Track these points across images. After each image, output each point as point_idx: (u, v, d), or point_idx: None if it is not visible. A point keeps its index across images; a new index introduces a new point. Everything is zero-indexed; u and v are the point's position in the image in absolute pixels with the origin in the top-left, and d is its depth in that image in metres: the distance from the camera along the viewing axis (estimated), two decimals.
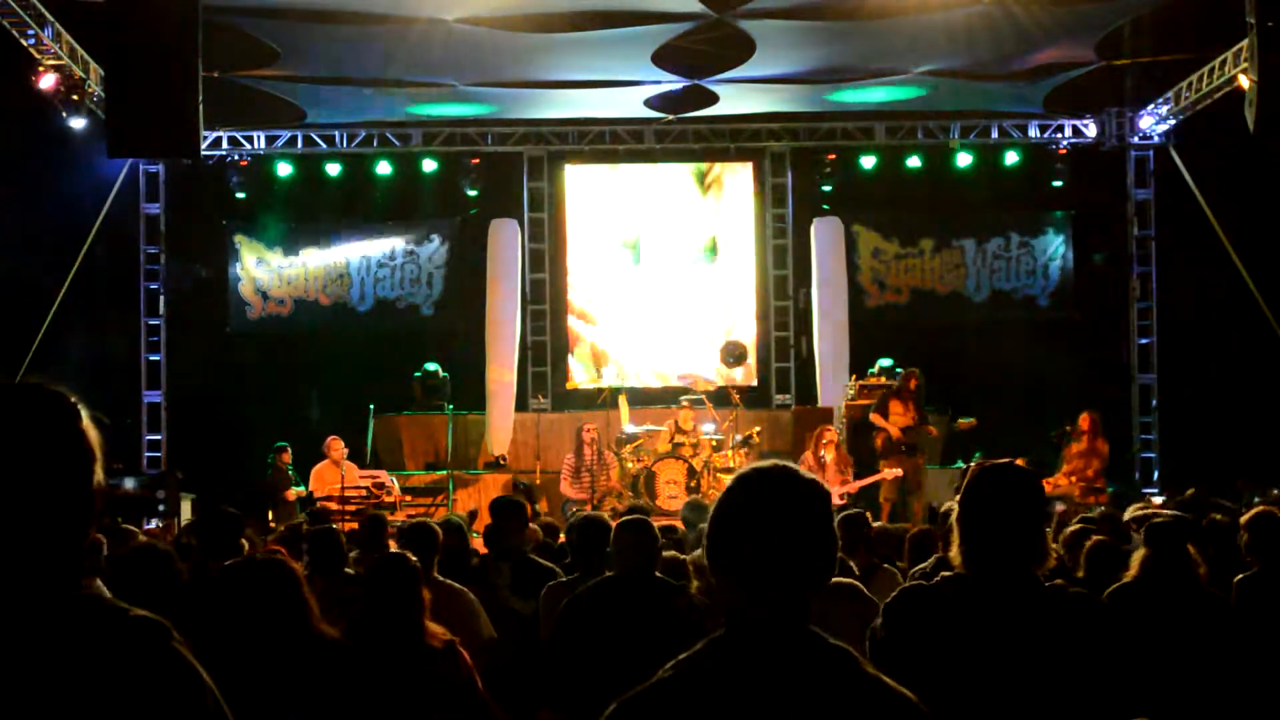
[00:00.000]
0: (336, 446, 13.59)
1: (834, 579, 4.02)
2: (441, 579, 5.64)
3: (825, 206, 16.92)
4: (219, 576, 4.30)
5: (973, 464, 3.41)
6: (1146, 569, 4.88)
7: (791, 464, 2.13)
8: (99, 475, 1.82)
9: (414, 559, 4.52)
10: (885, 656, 3.07)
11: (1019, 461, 3.50)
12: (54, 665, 1.70)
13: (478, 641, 5.28)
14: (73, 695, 1.69)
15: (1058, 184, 16.69)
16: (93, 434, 1.83)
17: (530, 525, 7.78)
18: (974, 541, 3.06)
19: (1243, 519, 5.65)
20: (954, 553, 3.12)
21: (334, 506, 12.34)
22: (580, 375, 17.19)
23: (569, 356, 17.26)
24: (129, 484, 10.91)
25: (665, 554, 5.64)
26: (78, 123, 13.43)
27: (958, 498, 3.16)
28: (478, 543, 7.97)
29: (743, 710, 1.92)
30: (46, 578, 1.75)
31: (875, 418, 13.83)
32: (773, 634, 1.98)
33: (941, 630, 2.99)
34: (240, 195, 16.67)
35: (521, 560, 6.41)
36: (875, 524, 8.17)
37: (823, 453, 13.34)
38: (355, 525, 9.81)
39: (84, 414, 1.83)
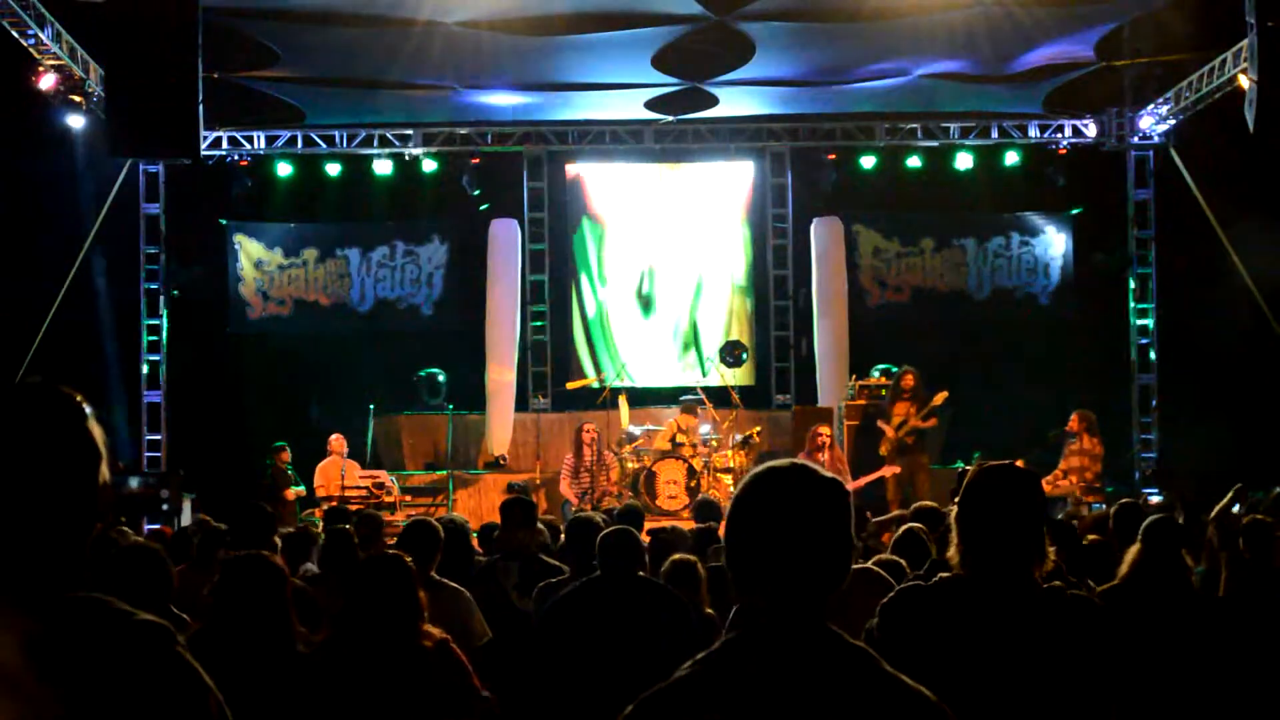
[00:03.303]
0: (339, 441, 13.92)
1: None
2: (439, 579, 5.63)
3: (825, 207, 16.93)
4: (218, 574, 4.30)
5: (972, 465, 3.41)
6: (1138, 568, 4.85)
7: (808, 462, 2.12)
8: (104, 474, 1.82)
9: (409, 559, 4.49)
10: (880, 654, 3.07)
11: (1018, 463, 3.49)
12: (56, 669, 1.70)
13: (473, 642, 5.26)
14: (75, 699, 1.69)
15: (1058, 184, 16.68)
16: (98, 434, 1.83)
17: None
18: (972, 543, 3.05)
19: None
20: (952, 553, 3.11)
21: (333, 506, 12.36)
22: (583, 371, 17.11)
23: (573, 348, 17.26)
24: (133, 483, 10.94)
25: (675, 557, 5.64)
26: (78, 122, 13.41)
27: (956, 499, 3.15)
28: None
29: (762, 710, 1.91)
30: (49, 578, 1.75)
31: (880, 423, 13.97)
32: (790, 634, 1.98)
33: (939, 631, 2.98)
34: (240, 195, 16.66)
35: (530, 560, 6.42)
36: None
37: (818, 454, 13.36)
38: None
39: (90, 414, 1.83)
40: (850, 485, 13.32)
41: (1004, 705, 2.92)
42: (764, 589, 2.00)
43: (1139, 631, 4.52)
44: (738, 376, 16.26)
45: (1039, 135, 16.70)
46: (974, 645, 2.95)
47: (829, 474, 2.09)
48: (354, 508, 12.34)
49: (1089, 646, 2.98)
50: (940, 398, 13.89)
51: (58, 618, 1.73)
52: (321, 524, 9.12)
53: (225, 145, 16.32)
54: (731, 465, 13.85)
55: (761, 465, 2.12)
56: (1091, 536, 6.42)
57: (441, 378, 16.22)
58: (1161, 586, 4.76)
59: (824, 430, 13.44)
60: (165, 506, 10.48)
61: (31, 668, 1.68)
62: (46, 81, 12.87)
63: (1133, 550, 4.87)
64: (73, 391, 1.83)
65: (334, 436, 14.17)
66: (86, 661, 1.71)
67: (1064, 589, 3.09)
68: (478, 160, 16.65)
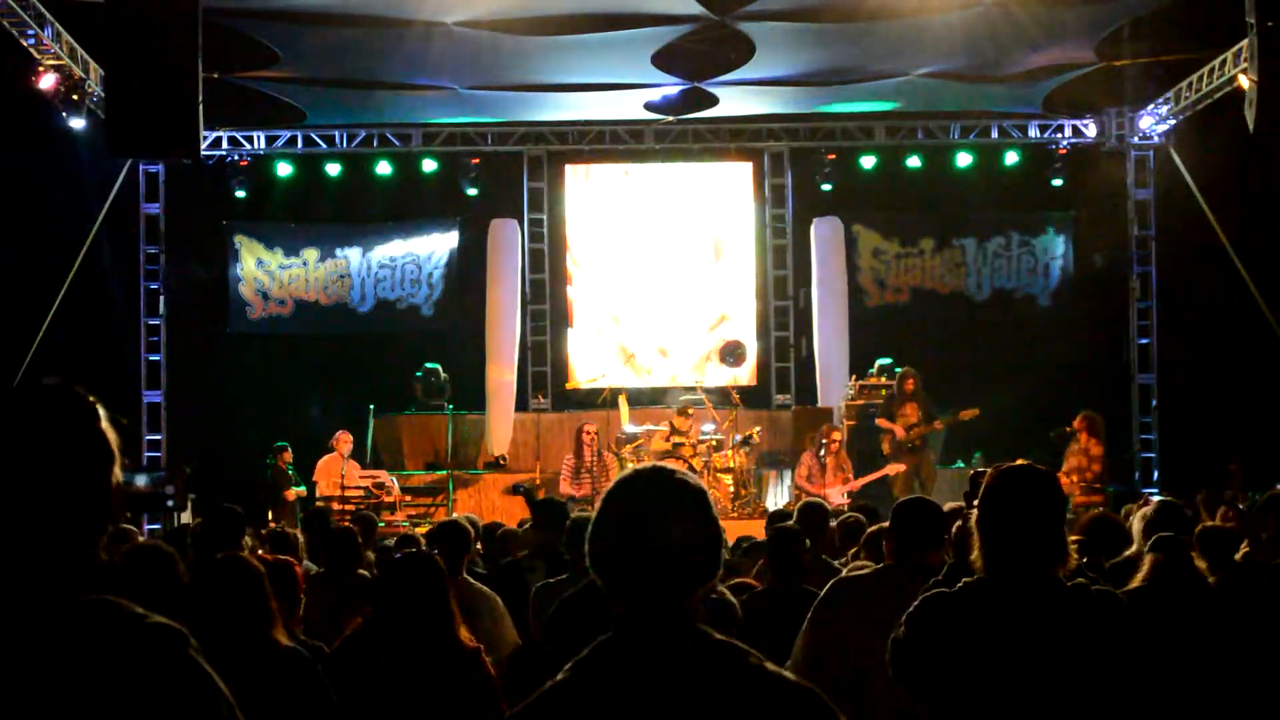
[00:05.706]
0: (345, 440, 13.80)
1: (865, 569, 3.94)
2: (470, 580, 5.63)
3: (825, 207, 16.93)
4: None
5: (977, 466, 3.40)
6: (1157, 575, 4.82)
7: (668, 465, 2.15)
8: (118, 475, 1.82)
9: (439, 558, 4.48)
10: (908, 662, 3.07)
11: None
12: (68, 672, 1.69)
13: (503, 648, 5.25)
14: (87, 703, 1.69)
15: (1058, 184, 16.69)
16: (112, 434, 1.83)
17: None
18: (995, 545, 3.06)
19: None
20: (975, 556, 3.12)
21: (334, 506, 12.37)
22: (585, 371, 17.12)
23: (567, 354, 17.27)
24: (140, 480, 10.93)
25: None
26: (78, 123, 13.41)
27: (976, 502, 3.16)
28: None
29: (634, 711, 1.93)
30: (63, 580, 1.75)
31: (881, 422, 14.02)
32: (657, 634, 1.99)
33: (966, 635, 2.99)
34: (240, 195, 16.65)
35: (557, 559, 6.42)
36: None
37: (824, 454, 13.40)
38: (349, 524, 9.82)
39: (103, 414, 1.83)
40: (853, 485, 13.34)
41: (1036, 706, 2.93)
42: (629, 591, 2.02)
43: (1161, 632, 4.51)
44: (738, 377, 16.25)
45: (1039, 135, 16.71)
46: (1003, 648, 2.96)
47: (690, 476, 2.10)
48: (351, 507, 12.39)
49: (1117, 642, 2.99)
50: (969, 414, 13.95)
51: (71, 620, 1.72)
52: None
53: (225, 145, 16.32)
54: (731, 465, 13.84)
55: (629, 469, 2.15)
56: (1076, 537, 6.40)
57: (443, 374, 16.19)
58: (1179, 589, 4.74)
59: (836, 432, 13.61)
60: (170, 503, 10.45)
61: (42, 673, 1.68)
62: (46, 81, 12.86)
63: (1149, 559, 4.86)
64: (86, 392, 1.83)
65: (340, 433, 14.00)
66: (99, 665, 1.70)
67: (1088, 586, 3.10)
68: (478, 160, 16.66)
